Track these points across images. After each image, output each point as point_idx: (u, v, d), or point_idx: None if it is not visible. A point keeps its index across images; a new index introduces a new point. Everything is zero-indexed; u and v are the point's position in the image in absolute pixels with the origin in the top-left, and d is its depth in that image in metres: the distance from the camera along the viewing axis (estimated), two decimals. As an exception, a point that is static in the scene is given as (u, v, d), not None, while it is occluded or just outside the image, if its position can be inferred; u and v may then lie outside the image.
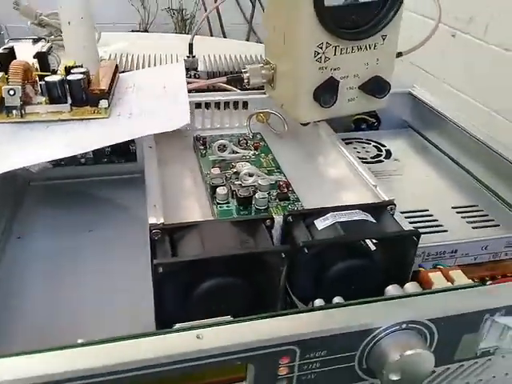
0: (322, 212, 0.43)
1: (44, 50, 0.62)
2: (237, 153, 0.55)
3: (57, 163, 0.59)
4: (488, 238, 0.48)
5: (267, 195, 0.47)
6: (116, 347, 0.28)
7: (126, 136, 0.51)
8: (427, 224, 0.50)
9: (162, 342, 0.29)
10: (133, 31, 2.39)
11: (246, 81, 0.59)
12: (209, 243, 0.38)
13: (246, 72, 0.59)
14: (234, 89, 0.70)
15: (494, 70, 1.29)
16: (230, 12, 2.53)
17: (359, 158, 0.52)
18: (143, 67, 0.80)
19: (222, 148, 0.55)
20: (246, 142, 0.58)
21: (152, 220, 0.40)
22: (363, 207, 0.44)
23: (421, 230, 0.41)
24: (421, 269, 0.41)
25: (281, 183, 0.49)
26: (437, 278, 0.38)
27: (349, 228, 0.41)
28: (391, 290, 0.36)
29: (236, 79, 0.62)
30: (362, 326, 0.31)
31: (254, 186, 0.48)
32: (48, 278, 0.48)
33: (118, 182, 0.61)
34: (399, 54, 0.59)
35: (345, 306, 0.33)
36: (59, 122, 0.53)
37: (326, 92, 0.52)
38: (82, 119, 0.54)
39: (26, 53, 0.61)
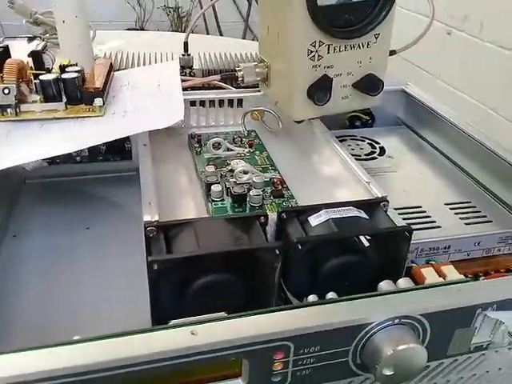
0: (315, 209, 0.43)
1: (39, 48, 0.62)
2: (231, 150, 0.55)
3: (52, 161, 0.59)
4: (481, 234, 0.48)
5: (262, 192, 0.47)
6: (111, 344, 0.29)
7: (121, 133, 0.51)
8: (420, 220, 0.50)
9: (157, 339, 0.29)
10: (129, 29, 2.38)
11: (240, 79, 0.59)
12: (203, 240, 0.38)
13: (240, 70, 0.59)
14: (229, 87, 0.70)
15: (490, 67, 1.29)
16: (226, 10, 2.53)
17: (353, 155, 0.52)
18: (138, 65, 0.80)
19: (217, 146, 0.55)
20: (241, 140, 0.58)
21: (147, 217, 0.40)
22: (356, 204, 0.44)
23: (414, 227, 0.42)
24: (413, 264, 0.42)
25: (275, 180, 0.49)
26: (429, 274, 0.38)
27: (342, 224, 0.41)
28: (384, 285, 0.36)
29: (230, 77, 0.62)
30: (355, 321, 0.32)
31: (248, 183, 0.48)
32: (44, 276, 0.48)
33: (113, 179, 0.61)
34: (393, 52, 0.59)
35: (338, 301, 0.33)
36: (54, 120, 0.53)
37: (320, 90, 0.53)
38: (77, 117, 0.54)
39: (21, 51, 0.61)
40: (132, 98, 0.58)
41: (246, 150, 0.56)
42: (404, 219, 0.49)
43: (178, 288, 0.37)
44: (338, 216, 0.42)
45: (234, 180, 0.49)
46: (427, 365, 0.35)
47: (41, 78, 0.54)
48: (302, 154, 0.57)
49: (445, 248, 0.47)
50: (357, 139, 0.66)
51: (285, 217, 0.42)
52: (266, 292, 0.39)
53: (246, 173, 0.49)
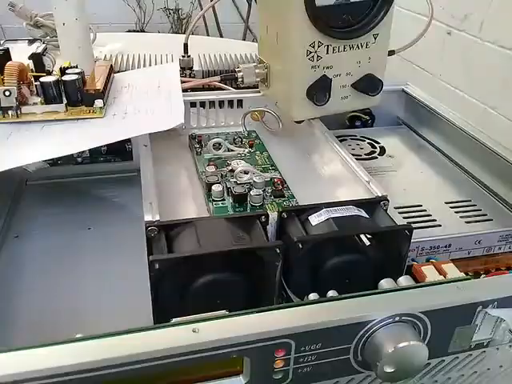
0: (315, 208, 0.43)
1: (39, 51, 0.63)
2: (232, 151, 0.56)
3: (53, 162, 0.59)
4: (481, 233, 0.48)
5: (262, 192, 0.47)
6: (113, 342, 0.29)
7: (122, 135, 0.51)
8: (421, 219, 0.50)
9: (159, 337, 0.29)
10: (129, 31, 2.39)
11: (239, 80, 0.59)
12: (204, 239, 0.39)
13: (239, 71, 0.59)
14: (229, 88, 0.70)
15: (490, 66, 1.29)
16: (226, 11, 2.53)
17: (353, 155, 0.52)
18: (139, 67, 0.80)
19: (218, 146, 0.55)
20: (241, 140, 0.58)
21: (148, 217, 0.40)
22: (357, 203, 0.44)
23: (415, 225, 0.42)
24: (414, 263, 0.42)
25: (275, 180, 0.50)
26: (429, 272, 0.38)
27: (342, 223, 0.41)
28: (384, 283, 0.37)
29: (230, 78, 0.63)
30: (356, 318, 0.32)
31: (249, 183, 0.49)
32: (46, 276, 0.48)
33: (114, 180, 0.62)
34: (391, 52, 0.59)
35: (339, 299, 0.34)
36: (55, 121, 0.54)
37: (319, 90, 0.53)
38: (78, 119, 0.54)
39: (21, 54, 0.61)
40: (132, 100, 0.58)
41: (247, 151, 0.56)
42: (404, 218, 0.50)
43: (179, 287, 0.37)
44: (338, 215, 0.42)
45: (234, 180, 0.49)
46: (428, 362, 0.35)
47: (41, 80, 0.54)
48: (303, 154, 0.57)
49: (445, 247, 0.47)
50: (357, 139, 0.66)
51: (285, 216, 0.43)
52: (266, 291, 0.39)
53: (246, 173, 0.49)
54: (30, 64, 0.59)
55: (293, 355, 0.32)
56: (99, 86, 0.56)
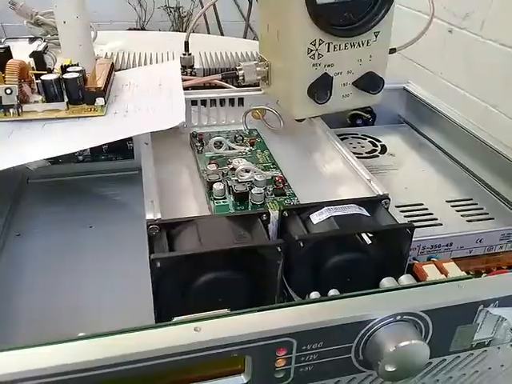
0: (317, 206, 0.43)
1: (40, 49, 0.63)
2: (233, 149, 0.56)
3: (54, 161, 0.59)
4: (483, 231, 0.48)
5: (263, 190, 0.47)
6: (115, 340, 0.29)
7: (123, 134, 0.51)
8: (422, 218, 0.50)
9: (161, 335, 0.29)
10: (130, 29, 2.39)
11: (240, 78, 0.59)
12: (205, 238, 0.39)
13: (240, 69, 0.59)
14: (230, 86, 0.70)
15: (491, 65, 1.29)
16: (226, 9, 2.53)
17: (355, 154, 0.52)
18: (140, 65, 0.80)
19: (219, 144, 0.55)
20: (242, 139, 0.58)
21: (149, 216, 0.40)
22: (358, 201, 0.44)
23: (416, 224, 0.42)
24: (415, 262, 0.42)
25: (277, 179, 0.50)
26: (431, 271, 0.38)
27: (344, 222, 0.41)
28: (386, 282, 0.37)
29: (231, 76, 0.63)
30: (357, 317, 0.32)
31: (250, 181, 0.49)
32: (47, 275, 0.48)
33: (115, 179, 0.62)
34: (393, 50, 0.59)
35: (340, 298, 0.34)
36: (56, 120, 0.54)
37: (321, 88, 0.53)
38: (79, 117, 0.54)
39: (22, 52, 0.61)
40: (133, 98, 0.58)
41: (248, 149, 0.56)
42: (406, 217, 0.50)
43: (180, 285, 0.37)
44: (339, 214, 0.42)
45: (235, 178, 0.49)
46: (429, 361, 0.35)
47: (42, 78, 0.54)
48: (304, 152, 0.57)
49: (447, 245, 0.47)
50: (358, 137, 0.66)
51: (286, 215, 0.43)
52: (268, 289, 0.39)
53: (247, 171, 0.49)
54: (31, 62, 0.59)
55: (294, 354, 0.32)
56: (100, 84, 0.56)
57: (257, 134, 0.60)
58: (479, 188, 0.57)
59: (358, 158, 0.51)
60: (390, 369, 0.32)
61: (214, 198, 0.47)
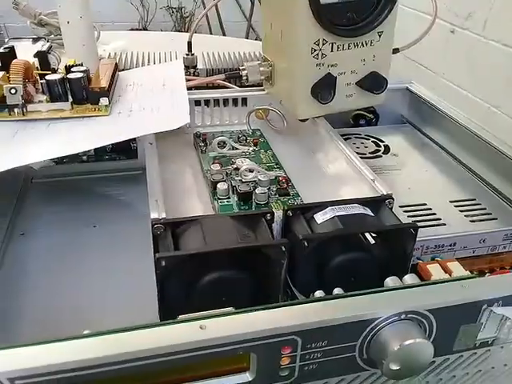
0: (321, 206, 0.43)
1: (44, 49, 0.63)
2: (236, 149, 0.56)
3: (59, 160, 0.59)
4: (486, 232, 0.48)
5: (267, 190, 0.47)
6: (121, 338, 0.29)
7: (128, 135, 0.51)
8: (426, 218, 0.50)
9: (167, 333, 0.30)
10: (132, 29, 2.39)
11: (244, 78, 0.59)
12: (210, 237, 0.39)
13: (244, 69, 0.59)
14: (233, 86, 0.70)
15: (493, 65, 1.29)
16: (229, 10, 2.53)
17: (358, 154, 0.52)
18: (143, 65, 0.80)
19: (222, 144, 0.56)
20: (246, 139, 0.58)
21: (154, 215, 0.40)
22: (362, 201, 0.44)
23: (419, 224, 0.42)
24: (419, 261, 0.42)
25: (280, 179, 0.50)
26: (435, 270, 0.38)
27: (348, 222, 0.41)
28: (390, 282, 0.37)
29: (234, 76, 0.63)
30: (362, 316, 0.32)
31: (254, 181, 0.49)
32: (51, 274, 0.48)
33: (119, 178, 0.62)
34: (396, 50, 0.59)
35: (345, 296, 0.34)
36: (60, 119, 0.54)
37: (324, 88, 0.53)
38: (83, 117, 0.54)
39: (25, 52, 0.61)
40: (137, 98, 0.58)
41: (251, 149, 0.56)
42: (409, 217, 0.50)
43: (185, 284, 0.37)
44: (343, 213, 0.42)
45: (239, 178, 0.49)
46: (433, 360, 0.35)
47: (47, 78, 0.54)
48: (307, 152, 0.57)
49: (450, 245, 0.47)
50: (361, 137, 0.66)
51: (291, 214, 0.43)
52: (272, 289, 0.39)
53: (251, 171, 0.49)
54: (36, 62, 0.59)
55: (299, 352, 0.32)
56: (104, 84, 0.56)
57: (260, 134, 0.60)
58: (482, 188, 0.57)
59: (361, 158, 0.51)
60: (394, 367, 0.32)
61: (218, 198, 0.47)
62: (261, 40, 0.60)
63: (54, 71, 0.58)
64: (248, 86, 0.63)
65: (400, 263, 0.41)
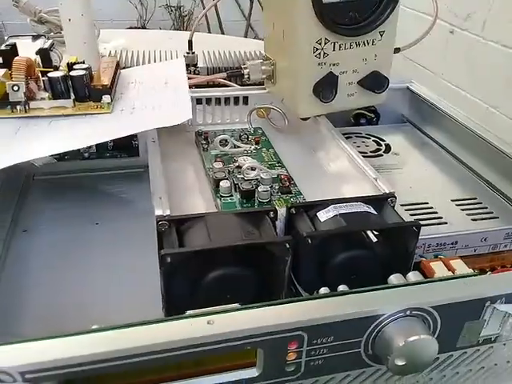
0: (324, 204, 0.43)
1: (46, 46, 0.63)
2: (238, 147, 0.56)
3: (60, 157, 0.59)
4: (487, 230, 0.49)
5: (269, 188, 0.47)
6: (130, 332, 0.29)
7: (130, 130, 0.51)
8: (427, 216, 0.51)
9: (175, 328, 0.30)
10: (130, 28, 2.39)
11: (246, 76, 0.60)
12: (215, 234, 0.39)
13: (246, 68, 0.59)
14: (234, 84, 0.70)
15: (492, 66, 1.30)
16: (228, 9, 2.53)
17: (359, 153, 0.53)
18: (143, 64, 0.80)
19: (224, 143, 0.56)
20: (247, 137, 0.59)
21: (158, 212, 0.40)
22: (364, 199, 0.44)
23: (421, 222, 0.42)
24: (422, 259, 0.42)
25: (282, 177, 0.50)
26: (438, 268, 0.38)
27: (351, 219, 0.41)
28: (394, 279, 0.37)
29: (236, 75, 0.63)
30: (367, 312, 0.32)
31: (256, 179, 0.49)
32: (53, 271, 0.48)
33: (120, 176, 0.62)
34: (397, 50, 0.60)
35: (351, 293, 0.34)
36: (62, 117, 0.54)
37: (326, 87, 0.53)
38: (85, 114, 0.54)
39: (25, 49, 0.61)
40: (139, 96, 0.58)
41: (253, 147, 0.56)
42: (411, 215, 0.50)
43: (189, 281, 0.37)
44: (346, 211, 0.42)
45: (241, 176, 0.49)
46: (437, 357, 0.35)
47: (49, 75, 0.54)
48: (309, 151, 0.58)
49: (452, 244, 0.47)
50: (362, 136, 0.67)
51: (294, 212, 0.43)
52: (275, 286, 0.40)
53: (253, 169, 0.50)
54: (37, 59, 0.59)
55: (305, 348, 0.32)
56: (106, 81, 0.56)
57: (261, 132, 0.60)
58: (483, 187, 0.57)
59: (362, 156, 0.51)
60: (399, 363, 0.32)
61: (221, 196, 0.47)
62: (260, 39, 0.60)
63: (56, 68, 0.58)
64: (249, 85, 0.63)
65: (402, 261, 0.42)
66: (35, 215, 0.55)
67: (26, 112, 0.53)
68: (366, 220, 0.42)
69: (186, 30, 2.58)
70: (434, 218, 0.50)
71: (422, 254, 0.46)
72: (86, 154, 0.61)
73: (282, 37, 0.54)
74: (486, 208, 0.53)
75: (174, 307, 0.38)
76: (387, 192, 0.46)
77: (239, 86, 0.69)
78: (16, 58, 0.55)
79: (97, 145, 0.60)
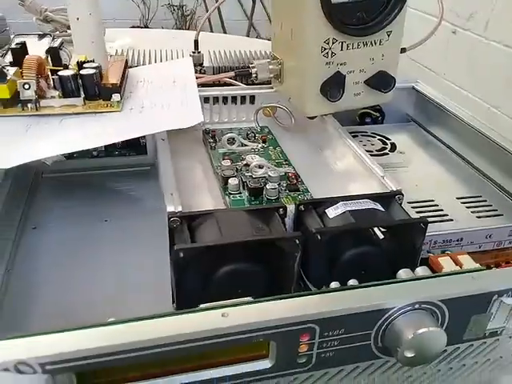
0: (332, 201, 0.44)
1: (56, 45, 0.63)
2: (245, 146, 0.57)
3: (69, 155, 0.60)
4: (492, 227, 0.49)
5: (278, 186, 0.48)
6: (147, 325, 0.30)
7: (141, 131, 0.52)
8: (433, 214, 0.51)
9: (191, 320, 0.31)
10: (133, 27, 2.39)
11: (253, 75, 0.60)
12: (226, 230, 0.40)
13: (253, 67, 0.60)
14: (239, 83, 0.71)
15: (494, 66, 1.30)
16: (230, 8, 2.54)
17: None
18: (149, 63, 0.81)
19: (231, 141, 0.56)
20: (254, 135, 0.59)
21: (170, 208, 0.41)
22: (372, 197, 0.45)
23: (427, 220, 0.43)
24: (430, 254, 0.43)
25: (290, 175, 0.51)
26: (446, 263, 0.39)
27: (359, 216, 0.42)
28: (402, 274, 0.38)
29: (244, 74, 0.64)
30: (377, 305, 0.33)
31: (264, 177, 0.49)
32: (62, 268, 0.49)
33: (129, 174, 0.62)
34: (403, 50, 0.60)
35: (361, 287, 0.35)
36: (73, 115, 0.54)
37: (333, 86, 0.54)
38: (95, 113, 0.55)
39: (32, 48, 0.62)
40: (148, 94, 0.59)
41: (260, 145, 0.57)
42: (417, 212, 0.51)
43: (201, 276, 0.38)
44: (355, 208, 0.43)
45: (249, 174, 0.50)
46: (444, 349, 0.36)
47: (60, 73, 0.55)
48: (316, 149, 0.58)
49: (457, 240, 0.48)
50: (368, 135, 0.67)
51: (303, 209, 0.44)
52: (285, 281, 0.40)
53: (261, 167, 0.50)
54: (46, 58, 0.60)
55: (317, 340, 0.33)
56: (116, 80, 0.57)
57: (268, 131, 0.61)
58: (487, 185, 0.58)
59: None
60: (409, 354, 0.33)
61: (230, 193, 0.48)
62: (262, 38, 0.61)
63: (66, 67, 0.58)
64: (255, 84, 0.64)
65: (410, 257, 0.42)
66: (44, 213, 0.56)
67: (36, 110, 0.54)
68: (375, 217, 0.43)
69: (188, 29, 2.58)
70: (440, 216, 0.51)
71: (429, 250, 0.47)
72: (95, 153, 0.62)
73: (290, 36, 0.55)
74: (491, 206, 0.53)
75: (185, 301, 0.38)
76: (394, 189, 0.46)
77: (245, 85, 0.69)
78: (27, 57, 0.56)
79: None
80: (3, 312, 0.43)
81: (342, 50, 0.53)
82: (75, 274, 0.48)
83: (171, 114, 0.54)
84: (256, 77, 0.60)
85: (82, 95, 0.55)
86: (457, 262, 0.39)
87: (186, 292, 0.38)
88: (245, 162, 0.52)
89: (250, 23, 2.60)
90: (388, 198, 0.46)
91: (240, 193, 0.48)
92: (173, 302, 0.40)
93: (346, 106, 0.57)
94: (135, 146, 0.63)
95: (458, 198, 0.54)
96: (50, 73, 0.57)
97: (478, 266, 0.38)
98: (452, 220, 0.50)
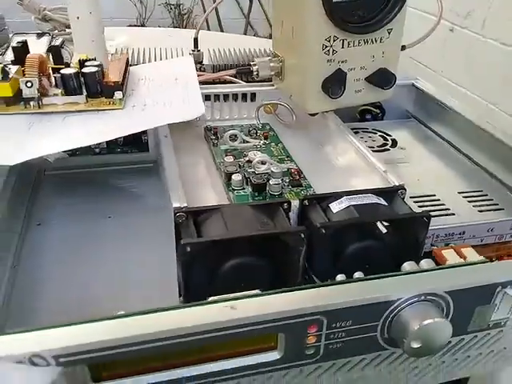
0: (336, 196, 0.44)
1: (57, 43, 0.63)
2: (247, 142, 0.57)
3: (72, 153, 0.60)
4: (493, 221, 0.50)
5: (281, 181, 0.48)
6: (157, 317, 0.30)
7: (143, 126, 0.52)
8: (435, 208, 0.52)
9: (200, 313, 0.31)
10: (130, 26, 2.39)
11: (255, 73, 0.61)
12: (231, 225, 0.40)
13: (255, 65, 0.60)
14: (240, 81, 0.71)
15: (492, 63, 1.31)
16: (227, 7, 2.54)
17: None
18: (149, 61, 0.81)
19: (234, 138, 0.57)
20: (256, 132, 0.60)
21: (176, 204, 0.41)
22: (375, 191, 0.45)
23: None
24: (433, 247, 0.43)
25: (292, 171, 0.51)
26: (450, 255, 0.40)
27: (363, 210, 0.43)
28: (407, 266, 0.38)
29: (245, 72, 0.64)
30: (383, 297, 0.33)
31: (266, 173, 0.50)
32: (65, 265, 0.49)
33: (131, 171, 0.63)
34: (403, 48, 0.60)
35: (368, 279, 0.35)
36: (75, 113, 0.54)
37: (334, 83, 0.54)
38: (98, 110, 0.55)
39: (31, 47, 0.62)
40: (150, 92, 0.59)
41: (262, 142, 0.58)
42: (419, 207, 0.51)
43: (207, 270, 0.38)
44: (358, 203, 0.43)
45: (252, 170, 0.50)
46: (449, 340, 0.37)
47: (62, 71, 0.55)
48: (317, 145, 0.59)
49: (459, 234, 0.49)
50: (369, 131, 0.68)
51: (307, 204, 0.44)
52: (290, 275, 0.41)
53: (263, 163, 0.50)
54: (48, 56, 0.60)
55: (324, 331, 0.33)
56: (118, 78, 0.57)
57: (269, 127, 0.61)
58: (488, 180, 0.58)
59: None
60: (415, 345, 0.33)
61: (233, 189, 0.49)
62: (259, 36, 0.61)
63: (67, 65, 0.59)
64: (255, 82, 0.64)
65: (413, 251, 0.43)
66: (47, 210, 0.56)
67: (39, 108, 0.54)
68: (378, 211, 0.43)
69: (185, 28, 2.58)
70: (442, 210, 0.51)
71: (432, 243, 0.47)
72: (97, 150, 0.62)
73: (291, 34, 0.55)
74: (492, 200, 0.54)
75: (192, 295, 0.39)
76: (397, 184, 0.47)
77: (245, 83, 0.70)
78: (29, 55, 0.56)
79: (107, 140, 0.61)
80: (11, 307, 0.44)
81: (343, 47, 0.53)
82: (78, 270, 0.48)
83: (173, 111, 0.54)
84: (257, 74, 0.60)
85: (85, 93, 0.56)
86: (460, 255, 0.39)
87: (192, 286, 0.39)
88: (247, 159, 0.53)
89: (247, 22, 2.60)
90: (391, 193, 0.46)
91: (244, 188, 0.49)
92: (179, 296, 0.40)
93: (347, 102, 0.57)
94: (137, 143, 0.63)
95: (459, 193, 0.55)
96: (51, 71, 0.57)
97: (481, 258, 0.39)
98: (454, 214, 0.51)
